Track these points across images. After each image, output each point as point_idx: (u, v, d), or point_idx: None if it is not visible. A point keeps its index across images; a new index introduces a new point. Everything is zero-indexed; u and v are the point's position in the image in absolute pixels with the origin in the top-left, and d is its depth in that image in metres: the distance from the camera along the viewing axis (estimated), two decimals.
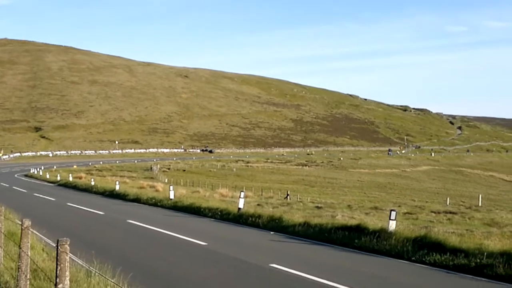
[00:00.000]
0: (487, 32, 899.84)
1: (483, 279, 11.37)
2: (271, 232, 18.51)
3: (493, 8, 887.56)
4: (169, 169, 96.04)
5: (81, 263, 10.45)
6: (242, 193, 23.86)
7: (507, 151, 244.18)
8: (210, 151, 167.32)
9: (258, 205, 29.04)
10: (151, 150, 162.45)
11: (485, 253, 12.30)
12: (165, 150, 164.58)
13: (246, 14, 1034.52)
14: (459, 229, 19.16)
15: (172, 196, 29.85)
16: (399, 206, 39.00)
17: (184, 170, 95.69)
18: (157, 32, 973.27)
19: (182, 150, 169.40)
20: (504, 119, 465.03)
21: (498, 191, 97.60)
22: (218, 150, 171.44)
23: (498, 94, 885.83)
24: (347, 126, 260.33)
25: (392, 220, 15.36)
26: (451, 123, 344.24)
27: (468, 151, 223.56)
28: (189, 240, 16.28)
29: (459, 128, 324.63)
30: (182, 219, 23.28)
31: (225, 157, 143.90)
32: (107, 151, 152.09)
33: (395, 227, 15.34)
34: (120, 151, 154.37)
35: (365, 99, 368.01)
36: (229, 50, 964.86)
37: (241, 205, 22.90)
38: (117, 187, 38.84)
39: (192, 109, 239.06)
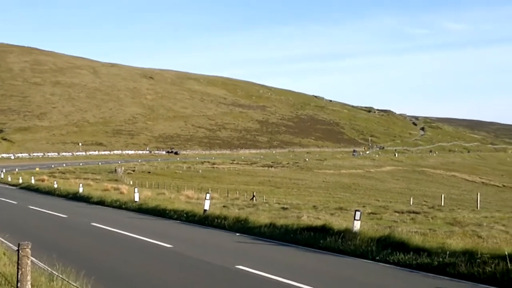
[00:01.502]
0: (448, 34, 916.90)
1: (445, 277, 11.54)
2: (237, 234, 18.50)
3: (453, 10, 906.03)
4: (134, 171, 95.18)
5: (43, 267, 10.26)
6: (208, 195, 23.78)
7: (468, 152, 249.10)
8: (176, 153, 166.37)
9: (224, 206, 28.98)
10: (115, 152, 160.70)
11: (448, 252, 12.49)
12: (130, 152, 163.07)
13: (211, 15, 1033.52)
14: (422, 229, 19.42)
15: (137, 199, 29.61)
16: (364, 206, 39.35)
17: (149, 172, 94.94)
18: (122, 33, 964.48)
19: (147, 152, 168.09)
20: (466, 120, 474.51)
21: (460, 190, 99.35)
22: (184, 152, 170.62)
23: (460, 95, 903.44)
24: (313, 127, 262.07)
25: (356, 220, 15.49)
26: (414, 124, 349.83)
27: (431, 151, 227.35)
28: (154, 243, 16.15)
29: (422, 129, 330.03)
30: (147, 221, 23.09)
31: (191, 158, 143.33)
32: (70, 153, 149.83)
33: (360, 227, 15.48)
34: (83, 153, 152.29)
35: (330, 101, 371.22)
36: (195, 51, 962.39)
37: (207, 207, 22.82)
38: (81, 190, 38.33)
39: (157, 110, 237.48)
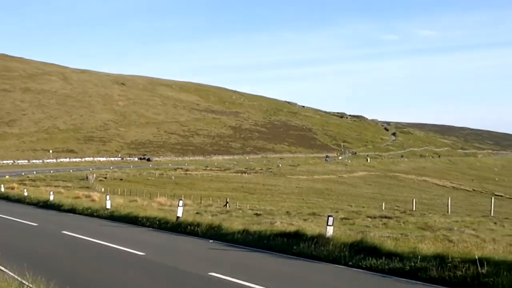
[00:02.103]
0: (418, 41, 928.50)
1: (417, 282, 11.65)
2: (210, 240, 18.44)
3: (424, 17, 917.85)
4: (105, 178, 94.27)
5: (13, 276, 10.10)
6: (181, 202, 23.66)
7: (439, 157, 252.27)
8: (148, 159, 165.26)
9: (197, 213, 28.85)
10: (87, 159, 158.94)
11: (419, 257, 12.62)
12: (102, 159, 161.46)
13: (184, 22, 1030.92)
14: (394, 234, 19.56)
15: (108, 206, 29.31)
16: (337, 211, 39.53)
17: (121, 179, 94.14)
18: (92, 39, 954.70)
19: (119, 158, 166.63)
20: (436, 125, 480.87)
21: (431, 195, 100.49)
22: (156, 158, 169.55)
23: (430, 100, 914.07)
24: (286, 133, 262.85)
25: (329, 225, 15.55)
26: (386, 129, 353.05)
27: (402, 156, 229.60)
28: (126, 250, 16.00)
29: (394, 134, 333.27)
30: (119, 229, 22.88)
31: (164, 165, 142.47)
32: (41, 161, 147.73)
33: (333, 232, 15.54)
34: (54, 160, 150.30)
35: (303, 106, 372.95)
36: (167, 57, 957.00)
37: (179, 214, 22.70)
38: (51, 198, 37.81)
39: (129, 117, 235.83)
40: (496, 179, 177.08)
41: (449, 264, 11.80)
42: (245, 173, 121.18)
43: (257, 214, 31.54)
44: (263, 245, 16.64)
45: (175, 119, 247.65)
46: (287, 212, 37.00)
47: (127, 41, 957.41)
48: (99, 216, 28.32)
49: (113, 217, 27.10)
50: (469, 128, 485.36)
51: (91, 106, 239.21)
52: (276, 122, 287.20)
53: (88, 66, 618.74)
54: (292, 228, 18.07)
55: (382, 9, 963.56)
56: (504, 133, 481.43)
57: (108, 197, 31.00)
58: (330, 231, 15.47)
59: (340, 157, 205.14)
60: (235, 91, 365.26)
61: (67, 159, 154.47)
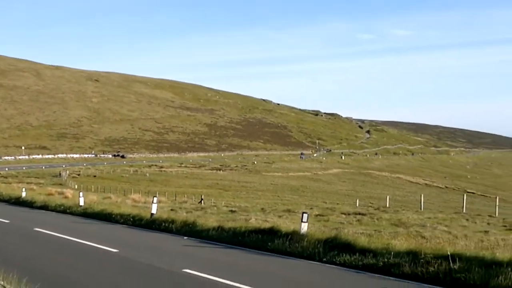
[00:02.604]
0: (393, 40, 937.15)
1: (390, 278, 11.74)
2: (185, 237, 18.36)
3: (399, 17, 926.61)
4: (79, 175, 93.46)
5: None
6: (155, 198, 23.52)
7: (412, 154, 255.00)
8: (122, 156, 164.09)
9: (171, 210, 28.73)
10: (60, 155, 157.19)
11: (392, 253, 12.72)
12: (75, 156, 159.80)
13: (158, 18, 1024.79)
14: (368, 230, 19.72)
15: (82, 203, 29.02)
16: (311, 208, 39.69)
17: (95, 176, 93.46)
18: (66, 35, 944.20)
19: (93, 155, 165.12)
20: (410, 123, 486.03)
21: (405, 192, 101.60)
22: (131, 155, 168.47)
23: (404, 99, 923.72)
24: (261, 131, 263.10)
25: (304, 222, 15.59)
26: (360, 127, 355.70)
27: (376, 154, 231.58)
28: (99, 247, 15.85)
29: (368, 132, 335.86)
30: (92, 226, 22.66)
31: (138, 162, 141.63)
32: (13, 157, 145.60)
33: (307, 229, 15.59)
34: (27, 157, 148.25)
35: (278, 104, 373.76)
36: (142, 54, 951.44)
37: (154, 211, 22.56)
38: (24, 194, 37.27)
39: (103, 113, 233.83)
40: (468, 176, 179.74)
41: (422, 260, 11.92)
42: (220, 170, 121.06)
43: (232, 211, 31.56)
44: (237, 241, 16.63)
45: (149, 116, 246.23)
46: (262, 209, 37.06)
47: (102, 37, 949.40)
48: (72, 213, 28.02)
49: (86, 214, 26.84)
50: (442, 126, 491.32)
51: (65, 103, 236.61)
52: (251, 120, 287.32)
53: (62, 63, 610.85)
54: (266, 225, 18.10)
55: (358, 9, 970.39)
56: (476, 131, 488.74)
57: (81, 194, 30.70)
58: (304, 227, 15.52)
59: (315, 155, 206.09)
60: (210, 89, 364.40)
61: (40, 156, 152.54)
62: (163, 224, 20.66)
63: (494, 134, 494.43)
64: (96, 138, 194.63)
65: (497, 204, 36.52)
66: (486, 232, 21.16)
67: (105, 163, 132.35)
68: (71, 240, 17.68)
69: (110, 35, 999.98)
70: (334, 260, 13.40)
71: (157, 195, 30.42)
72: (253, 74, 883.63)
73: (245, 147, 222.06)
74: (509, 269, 10.59)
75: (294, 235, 15.36)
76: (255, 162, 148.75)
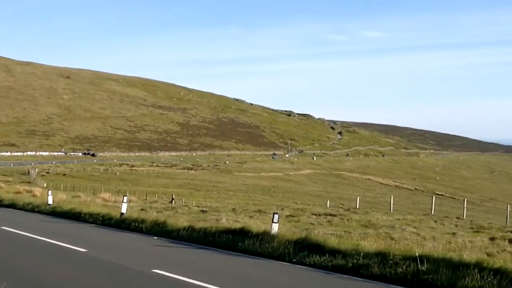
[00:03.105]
0: (366, 41, 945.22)
1: (359, 279, 11.82)
2: (155, 237, 18.27)
3: (372, 18, 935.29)
4: (48, 173, 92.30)
5: None
6: (126, 198, 23.37)
7: (383, 156, 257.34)
8: (93, 155, 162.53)
9: (142, 209, 28.55)
10: (29, 153, 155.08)
11: (362, 254, 12.80)
12: (44, 153, 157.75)
13: (132, 16, 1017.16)
14: (338, 231, 19.81)
15: (50, 201, 28.66)
16: (282, 209, 39.76)
17: (64, 174, 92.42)
18: (38, 32, 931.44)
19: (63, 153, 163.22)
20: (381, 124, 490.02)
21: (375, 193, 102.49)
22: (101, 154, 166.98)
23: (376, 100, 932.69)
24: (233, 130, 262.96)
25: (275, 223, 15.63)
26: (332, 128, 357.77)
27: (347, 155, 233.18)
28: (67, 247, 15.65)
29: (340, 133, 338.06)
30: (61, 225, 22.38)
31: (109, 160, 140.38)
32: None
33: (278, 229, 15.62)
34: None
35: (251, 104, 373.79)
36: (114, 51, 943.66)
37: (124, 210, 22.41)
38: None
39: (74, 111, 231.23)
40: (437, 178, 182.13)
41: (391, 261, 12.02)
42: (191, 169, 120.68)
43: (203, 211, 31.47)
44: (208, 242, 16.59)
45: (121, 114, 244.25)
46: (233, 209, 37.03)
47: (74, 34, 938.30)
48: (41, 212, 27.65)
49: (55, 213, 26.51)
50: (412, 128, 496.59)
51: (35, 99, 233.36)
52: (224, 119, 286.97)
53: (33, 59, 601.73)
54: (237, 225, 18.10)
55: (331, 10, 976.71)
56: (445, 134, 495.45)
57: (50, 192, 30.35)
58: (275, 228, 15.55)
59: (287, 155, 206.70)
60: (183, 87, 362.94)
61: (8, 153, 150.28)
62: (133, 223, 20.52)
63: (463, 137, 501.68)
64: (67, 136, 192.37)
65: (465, 206, 37.04)
66: (454, 234, 21.41)
67: (75, 161, 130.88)
68: (39, 239, 17.43)
69: (82, 32, 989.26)
70: (304, 261, 13.45)
71: (128, 195, 30.22)
72: (227, 73, 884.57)
73: (217, 146, 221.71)
74: (476, 270, 10.75)
75: (265, 236, 15.38)
76: (227, 162, 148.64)
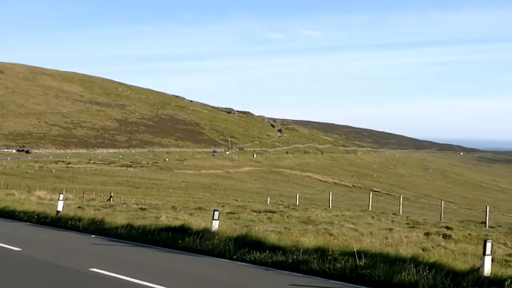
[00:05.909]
0: (303, 40, 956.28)
1: (299, 274, 11.93)
2: (92, 236, 17.92)
3: (309, 17, 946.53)
4: None
5: None
6: (62, 196, 22.83)
7: (322, 153, 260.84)
8: (27, 152, 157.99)
9: (79, 207, 27.92)
10: None
11: (301, 250, 12.94)
12: None
13: (69, 9, 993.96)
14: (278, 228, 19.93)
15: None
16: (223, 206, 39.74)
17: None
18: None
19: None
20: (320, 122, 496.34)
21: (314, 190, 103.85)
22: (36, 151, 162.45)
23: (314, 99, 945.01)
24: (173, 127, 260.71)
25: (215, 220, 15.60)
26: (272, 126, 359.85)
27: (287, 152, 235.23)
28: (0, 246, 15.13)
29: (279, 130, 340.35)
30: None
31: (44, 157, 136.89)
32: None
33: (218, 227, 15.60)
34: None
35: (191, 101, 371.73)
36: (50, 46, 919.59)
37: (60, 208, 21.87)
38: None
39: (7, 106, 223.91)
40: (374, 175, 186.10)
41: (329, 257, 12.19)
42: (130, 167, 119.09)
43: (142, 209, 31.07)
44: (147, 239, 16.43)
45: (57, 110, 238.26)
46: (173, 206, 36.73)
47: (6, 27, 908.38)
48: None
49: None
50: (350, 127, 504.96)
51: None
52: (163, 116, 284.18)
53: None
54: (177, 223, 17.97)
55: (268, 8, 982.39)
56: (382, 132, 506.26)
57: None
58: (215, 225, 15.52)
59: (227, 152, 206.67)
60: (121, 83, 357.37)
61: None
62: (70, 222, 20.09)
63: (399, 135, 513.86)
64: None
65: (401, 202, 37.89)
66: (390, 229, 21.87)
67: (9, 158, 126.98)
68: None
69: (16, 25, 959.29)
70: (244, 257, 13.47)
71: (64, 192, 29.51)
72: (166, 70, 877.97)
73: (156, 143, 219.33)
74: (412, 265, 11.03)
75: (205, 233, 15.34)
76: (167, 159, 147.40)
